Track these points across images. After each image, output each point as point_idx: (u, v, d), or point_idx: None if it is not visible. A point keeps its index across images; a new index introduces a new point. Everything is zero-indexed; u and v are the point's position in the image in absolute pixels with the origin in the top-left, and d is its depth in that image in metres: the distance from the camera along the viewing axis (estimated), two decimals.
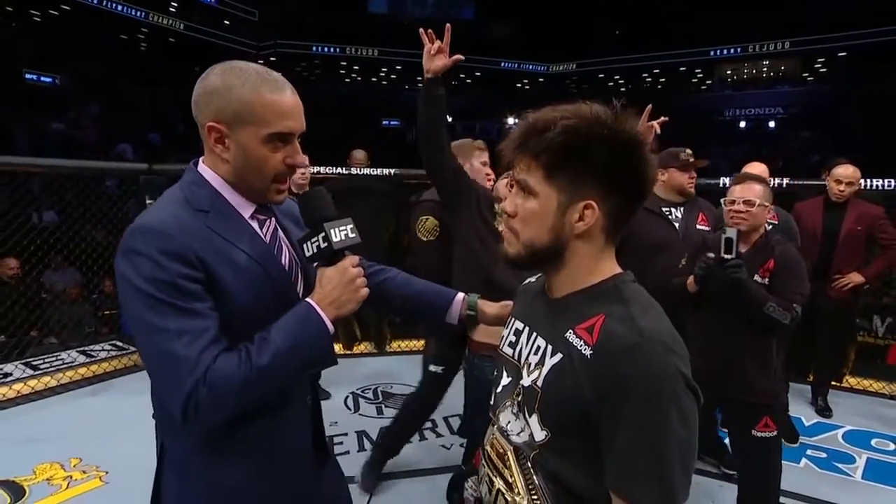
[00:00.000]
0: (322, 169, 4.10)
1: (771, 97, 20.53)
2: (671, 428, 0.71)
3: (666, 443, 0.71)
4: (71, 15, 15.43)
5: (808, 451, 2.98)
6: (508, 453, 0.89)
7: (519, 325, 0.96)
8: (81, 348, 4.19)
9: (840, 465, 2.86)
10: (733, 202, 2.10)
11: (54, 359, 3.96)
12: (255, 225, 1.01)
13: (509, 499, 0.87)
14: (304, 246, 0.97)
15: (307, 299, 0.95)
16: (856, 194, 3.28)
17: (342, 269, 0.96)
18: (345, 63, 21.93)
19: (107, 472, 2.58)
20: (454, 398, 2.98)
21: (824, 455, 2.95)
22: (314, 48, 20.98)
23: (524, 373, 0.87)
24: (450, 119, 9.69)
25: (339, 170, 4.28)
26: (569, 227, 0.83)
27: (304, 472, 1.07)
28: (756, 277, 2.01)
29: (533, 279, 1.04)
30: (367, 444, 2.93)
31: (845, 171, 3.24)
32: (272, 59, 20.96)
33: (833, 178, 3.26)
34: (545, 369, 0.83)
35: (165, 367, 0.85)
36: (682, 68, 21.45)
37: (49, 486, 2.47)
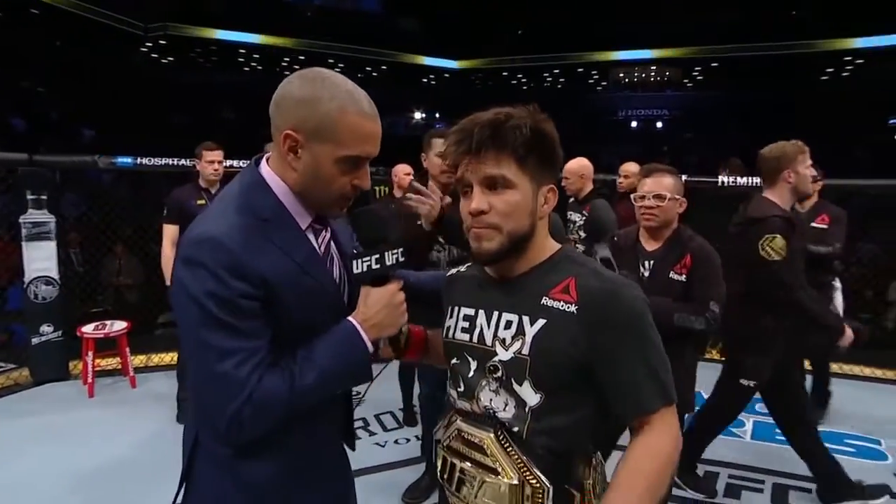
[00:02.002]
0: (235, 163, 3.86)
1: (658, 100, 22.46)
2: (654, 344, 0.89)
3: (653, 356, 0.88)
4: None
5: None
6: (486, 440, 0.91)
7: (468, 311, 1.00)
8: None
9: (733, 429, 3.21)
10: (643, 197, 1.97)
11: None
12: (311, 236, 1.00)
13: (495, 482, 0.89)
14: (355, 262, 0.97)
15: (350, 319, 0.96)
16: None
17: (390, 293, 0.97)
18: (244, 51, 20.76)
19: None
20: (385, 393, 2.96)
21: None
22: (211, 34, 19.60)
23: (499, 349, 0.93)
24: None
25: (243, 163, 4.04)
26: (539, 211, 0.94)
27: (330, 463, 1.10)
28: (672, 275, 1.91)
29: (463, 268, 1.10)
30: None
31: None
32: (161, 42, 19.32)
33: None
34: (528, 338, 0.90)
35: (214, 384, 0.86)
36: (579, 69, 22.75)
37: None
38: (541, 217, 0.94)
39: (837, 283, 3.28)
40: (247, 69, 21.05)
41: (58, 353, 3.82)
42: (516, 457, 0.89)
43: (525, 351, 0.90)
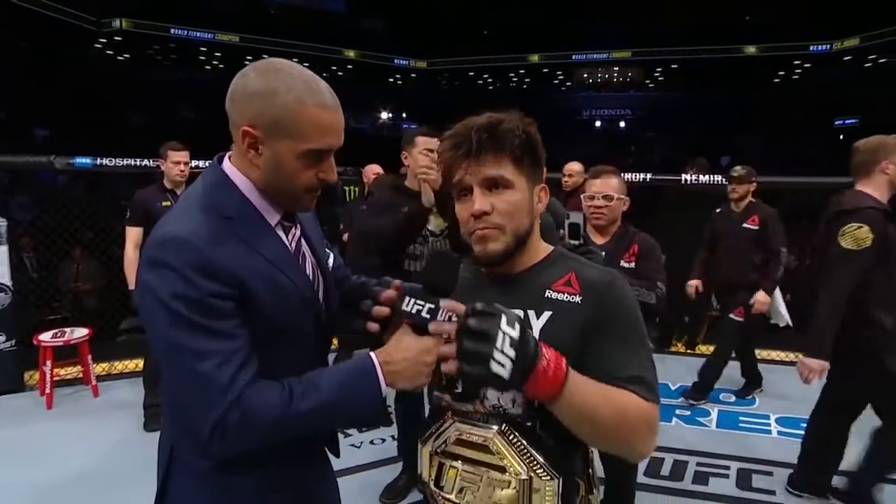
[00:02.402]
0: (201, 163, 3.75)
1: (621, 100, 23.01)
2: (643, 326, 0.94)
3: (643, 336, 0.93)
4: None
5: (677, 411, 3.45)
6: (491, 438, 0.90)
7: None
8: None
9: (700, 419, 3.37)
10: (593, 197, 2.11)
11: None
12: (280, 233, 0.96)
13: (502, 479, 0.89)
14: (408, 300, 0.89)
15: (372, 355, 0.88)
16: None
17: (424, 347, 0.87)
18: (205, 49, 20.23)
19: None
20: None
21: (688, 412, 3.43)
22: (171, 30, 19.03)
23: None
24: None
25: (207, 163, 3.93)
26: (535, 209, 0.96)
27: (315, 474, 1.07)
28: (623, 263, 2.06)
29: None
30: None
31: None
32: (117, 37, 18.64)
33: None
34: (536, 330, 0.91)
35: (194, 388, 0.81)
36: (544, 70, 23.09)
37: None
38: (536, 215, 0.97)
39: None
40: (208, 67, 20.53)
41: (11, 364, 3.64)
42: (524, 451, 0.88)
43: None
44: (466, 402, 0.94)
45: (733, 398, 3.65)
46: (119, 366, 3.98)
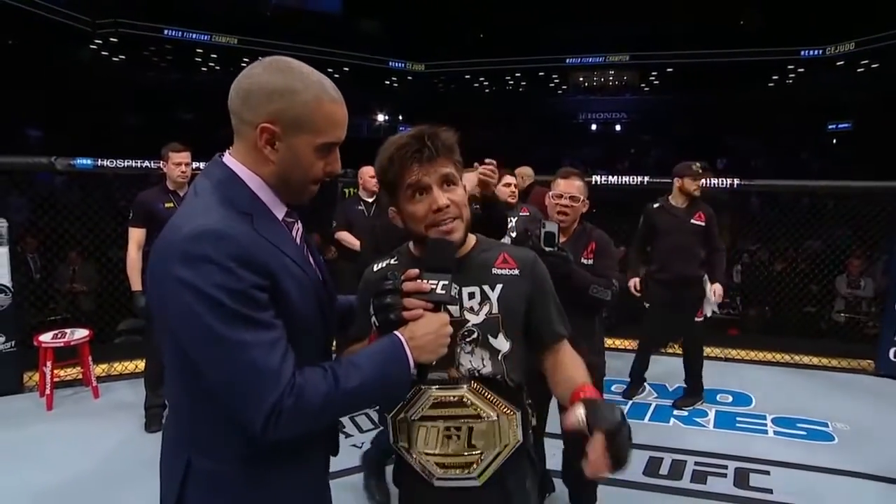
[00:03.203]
0: (202, 165, 3.76)
1: (617, 103, 23.10)
2: (555, 293, 1.21)
3: (557, 301, 1.21)
4: None
5: (675, 412, 3.48)
6: (464, 395, 1.09)
7: None
8: None
9: (698, 420, 3.40)
10: (560, 196, 2.21)
11: None
12: (286, 229, 0.99)
13: (479, 424, 1.09)
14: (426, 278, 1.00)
15: (397, 333, 0.95)
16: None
17: (441, 321, 0.98)
18: (201, 51, 20.18)
19: None
20: None
21: (686, 413, 3.47)
22: (165, 31, 18.97)
23: (469, 316, 1.11)
24: None
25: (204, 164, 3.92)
26: None
27: (326, 474, 1.11)
28: (583, 260, 2.18)
29: (391, 261, 1.20)
30: None
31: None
32: (112, 39, 18.56)
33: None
34: (494, 299, 1.11)
35: (245, 379, 0.83)
36: (540, 73, 23.16)
37: None
38: None
39: (706, 278, 3.48)
40: (204, 69, 20.49)
41: (10, 365, 3.64)
42: (491, 397, 1.10)
43: (494, 311, 1.11)
44: (440, 371, 1.09)
45: (731, 399, 3.70)
46: (119, 367, 3.98)
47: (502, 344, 1.10)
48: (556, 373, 1.15)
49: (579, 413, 0.96)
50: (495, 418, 1.09)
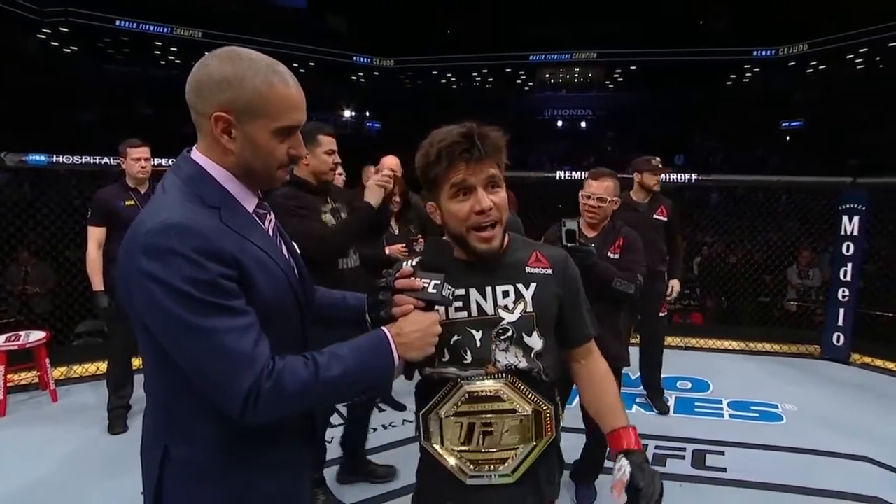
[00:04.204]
0: (164, 161, 3.68)
1: (582, 101, 23.51)
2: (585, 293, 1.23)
3: (587, 302, 1.23)
4: None
5: (637, 399, 3.61)
6: (503, 389, 1.10)
7: (458, 291, 1.12)
8: None
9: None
10: (589, 197, 2.29)
11: None
12: (257, 220, 0.99)
13: (514, 419, 1.10)
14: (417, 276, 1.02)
15: (384, 329, 0.97)
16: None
17: (430, 320, 1.00)
18: (160, 43, 19.57)
19: None
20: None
21: (647, 400, 3.59)
22: (118, 23, 18.29)
23: (504, 315, 1.11)
24: None
25: (168, 160, 3.78)
26: None
27: (304, 457, 1.11)
28: (609, 254, 2.28)
29: (416, 260, 1.14)
30: None
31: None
32: (62, 28, 17.77)
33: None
34: (528, 298, 1.12)
35: (219, 364, 0.84)
36: (507, 70, 23.35)
37: None
38: None
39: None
40: (163, 62, 19.86)
41: None
42: (527, 393, 1.11)
43: (529, 309, 1.12)
44: (478, 368, 1.11)
45: (689, 385, 3.86)
46: (79, 369, 3.85)
47: (536, 342, 1.12)
48: (589, 384, 1.21)
49: (626, 470, 1.09)
50: (530, 413, 1.10)
